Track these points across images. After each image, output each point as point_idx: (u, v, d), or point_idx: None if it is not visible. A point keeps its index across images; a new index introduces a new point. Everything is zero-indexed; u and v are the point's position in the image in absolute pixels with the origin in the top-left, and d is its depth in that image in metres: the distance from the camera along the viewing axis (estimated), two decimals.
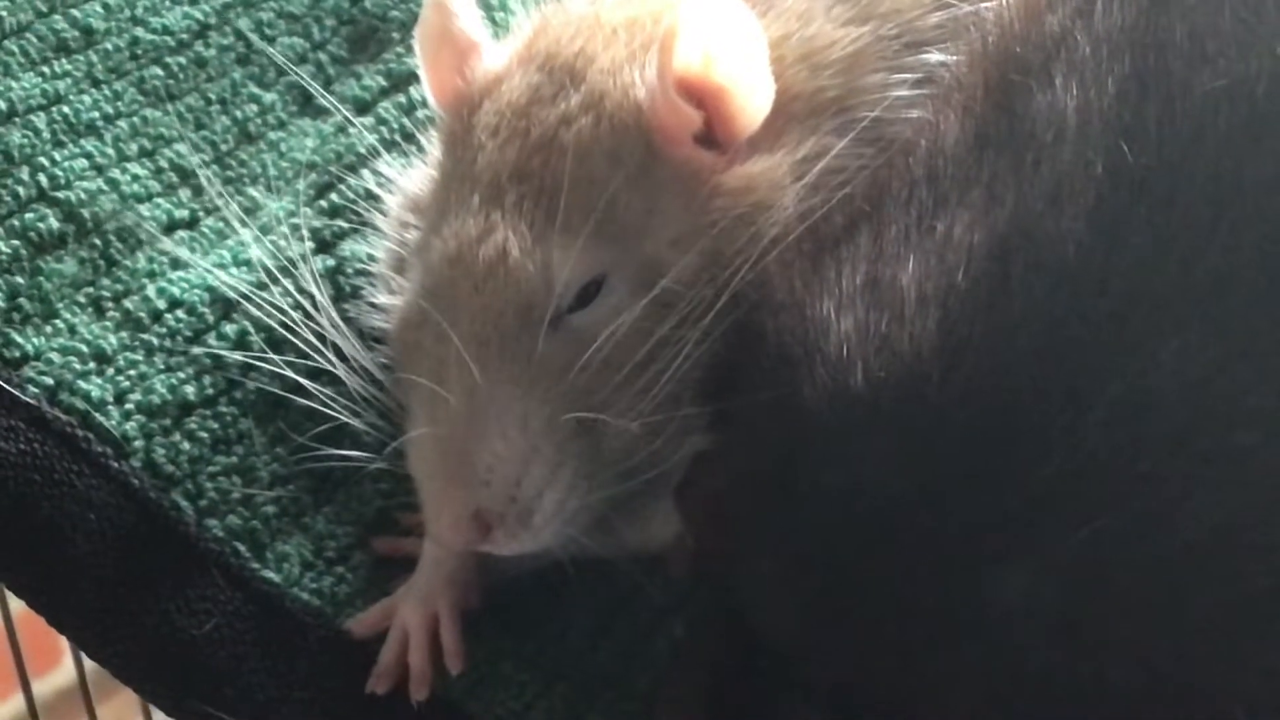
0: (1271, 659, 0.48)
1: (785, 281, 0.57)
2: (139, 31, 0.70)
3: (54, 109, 0.66)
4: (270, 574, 0.59)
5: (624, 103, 0.58)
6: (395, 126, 0.71)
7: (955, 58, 0.60)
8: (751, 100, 0.57)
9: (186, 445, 0.60)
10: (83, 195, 0.64)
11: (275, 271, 0.63)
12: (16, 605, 0.65)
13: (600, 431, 0.56)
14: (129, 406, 0.60)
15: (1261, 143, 0.49)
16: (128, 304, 0.63)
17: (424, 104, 0.70)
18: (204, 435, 0.61)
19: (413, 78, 0.71)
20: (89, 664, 0.66)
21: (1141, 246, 0.50)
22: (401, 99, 0.72)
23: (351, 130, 0.72)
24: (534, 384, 0.55)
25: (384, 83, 0.73)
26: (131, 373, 0.61)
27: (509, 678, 0.58)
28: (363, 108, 0.72)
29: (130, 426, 0.59)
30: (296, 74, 0.73)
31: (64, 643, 0.69)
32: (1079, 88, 0.53)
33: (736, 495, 0.56)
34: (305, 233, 0.67)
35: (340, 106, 0.72)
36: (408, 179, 0.67)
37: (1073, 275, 0.50)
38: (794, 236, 0.57)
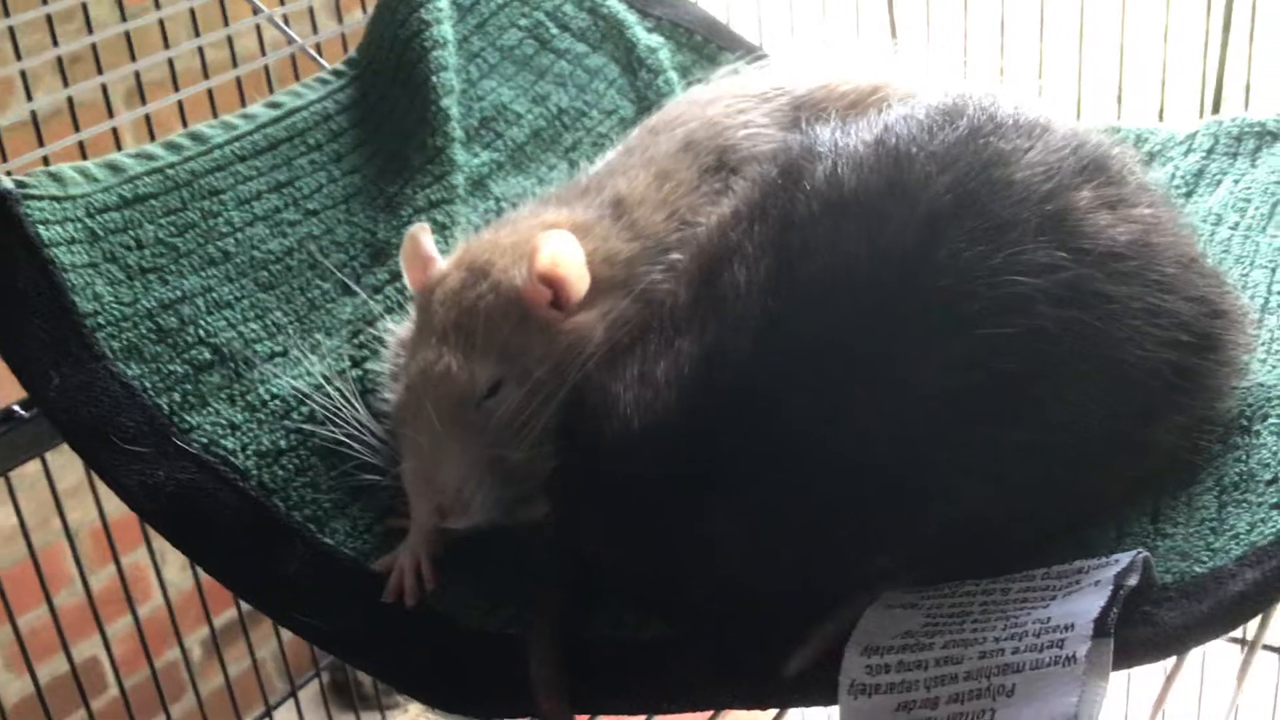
0: None
1: (596, 376, 0.73)
2: (254, 253, 0.86)
3: (208, 295, 0.83)
4: (328, 539, 0.75)
5: (510, 286, 0.75)
6: (394, 301, 0.87)
7: (684, 256, 0.78)
8: (577, 284, 0.75)
9: (280, 472, 0.76)
10: (222, 340, 0.80)
11: (328, 380, 0.79)
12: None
13: (505, 460, 0.71)
14: (249, 452, 0.76)
15: (839, 296, 0.64)
16: (249, 398, 0.79)
17: (407, 289, 0.83)
18: (291, 467, 0.77)
19: (400, 275, 0.84)
20: None
21: (778, 357, 0.65)
22: (398, 285, 0.86)
23: (371, 303, 0.86)
24: (468, 437, 0.71)
25: (388, 277, 0.89)
26: (251, 434, 0.77)
27: (460, 590, 0.72)
28: (377, 290, 0.88)
29: (250, 463, 0.76)
30: (339, 275, 0.88)
31: None
32: (746, 270, 0.68)
33: (573, 485, 0.72)
34: (345, 359, 0.83)
35: (364, 291, 0.87)
36: (400, 329, 0.82)
37: (743, 371, 0.66)
38: (601, 353, 0.73)
